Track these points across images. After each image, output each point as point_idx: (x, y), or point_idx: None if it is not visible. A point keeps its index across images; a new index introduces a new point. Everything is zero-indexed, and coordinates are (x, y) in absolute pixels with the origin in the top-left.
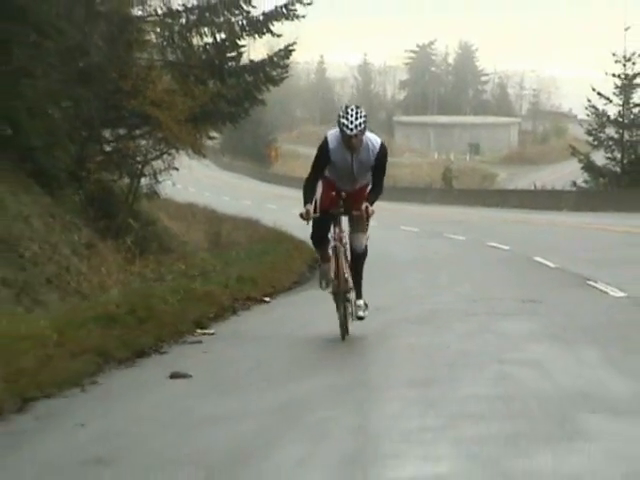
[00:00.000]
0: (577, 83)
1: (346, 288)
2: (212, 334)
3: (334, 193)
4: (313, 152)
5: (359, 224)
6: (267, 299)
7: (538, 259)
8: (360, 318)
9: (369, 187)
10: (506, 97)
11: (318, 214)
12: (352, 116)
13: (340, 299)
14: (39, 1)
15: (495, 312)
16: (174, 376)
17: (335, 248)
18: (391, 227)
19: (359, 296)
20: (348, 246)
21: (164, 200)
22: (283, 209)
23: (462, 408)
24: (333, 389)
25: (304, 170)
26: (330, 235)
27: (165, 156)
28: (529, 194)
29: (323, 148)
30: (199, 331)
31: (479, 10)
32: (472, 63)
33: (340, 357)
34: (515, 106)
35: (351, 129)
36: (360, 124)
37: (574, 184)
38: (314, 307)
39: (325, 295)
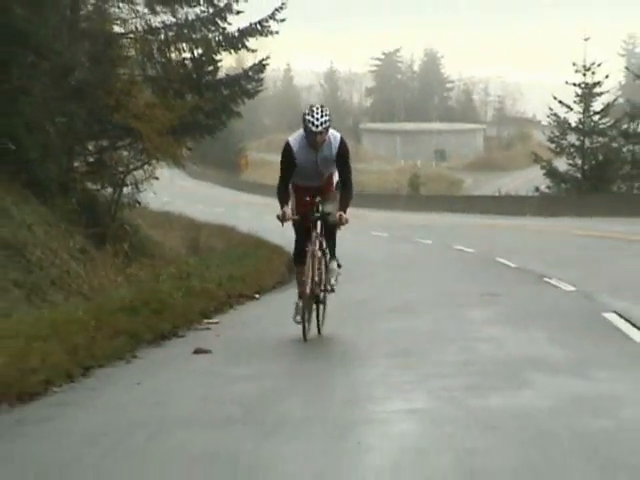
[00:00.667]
0: (541, 88)
1: (318, 292)
2: (217, 323)
3: (308, 198)
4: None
5: (331, 198)
6: (257, 296)
7: (500, 260)
8: (332, 290)
9: (335, 176)
10: (471, 104)
11: (297, 217)
12: (317, 114)
13: (311, 302)
14: (38, 25)
15: (459, 303)
16: (197, 352)
17: (313, 253)
18: (362, 233)
19: (333, 256)
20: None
21: (141, 208)
22: (255, 216)
23: (433, 370)
24: (328, 358)
25: (273, 177)
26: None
27: (146, 166)
28: (494, 200)
29: (287, 152)
30: (205, 320)
31: (444, 18)
32: (437, 70)
33: (330, 336)
34: (480, 112)
35: (317, 126)
36: (325, 122)
37: (537, 190)
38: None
39: None
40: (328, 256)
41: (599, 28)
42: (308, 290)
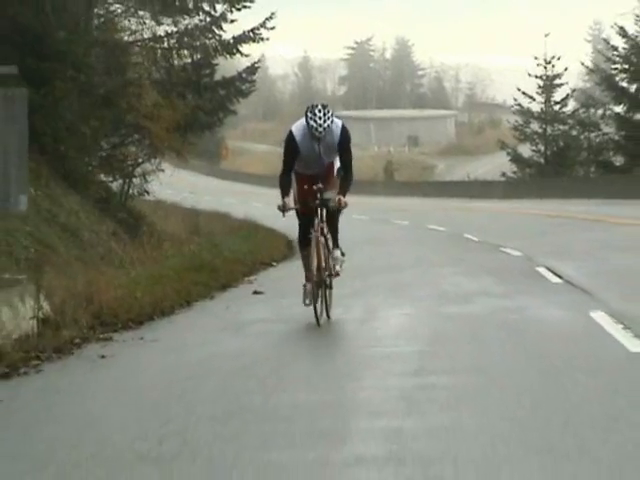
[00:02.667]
0: (512, 71)
1: (325, 277)
2: (255, 279)
3: (307, 187)
4: (258, 148)
5: (331, 184)
6: (274, 263)
7: (467, 236)
8: (337, 274)
9: (336, 162)
10: (443, 90)
11: (298, 206)
12: (320, 118)
13: (321, 286)
14: (73, 45)
15: (432, 265)
16: (255, 292)
17: (316, 239)
18: (344, 216)
19: (336, 245)
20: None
21: (136, 199)
22: (244, 203)
23: (415, 297)
24: (344, 294)
25: (251, 165)
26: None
27: (152, 160)
28: (464, 184)
29: (290, 141)
30: (246, 278)
31: (415, 5)
32: (409, 58)
33: (338, 284)
34: (451, 99)
35: (320, 131)
36: (328, 125)
37: (503, 175)
38: (300, 268)
39: None
40: (331, 242)
41: (566, 14)
42: (315, 277)
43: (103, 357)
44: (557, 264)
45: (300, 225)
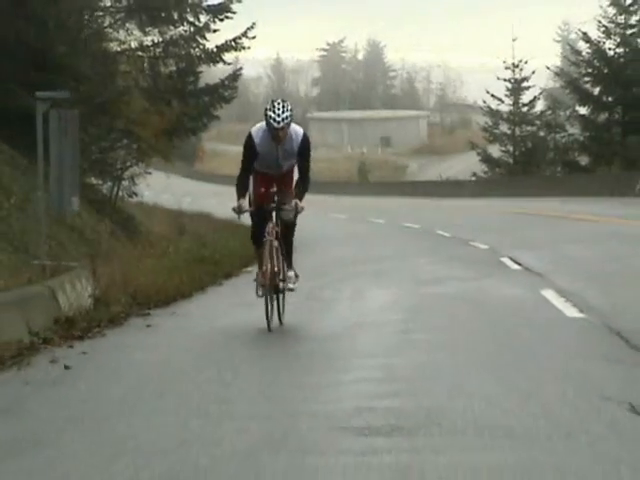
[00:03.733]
0: (481, 72)
1: (277, 280)
2: (252, 270)
3: (264, 189)
4: (233, 149)
5: (288, 198)
6: None
7: (439, 232)
8: (290, 289)
9: (295, 172)
10: (414, 91)
11: (253, 208)
12: (279, 109)
13: (272, 291)
14: (73, 59)
15: (409, 256)
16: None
17: (270, 243)
18: (323, 215)
19: (290, 266)
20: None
21: (120, 201)
22: (222, 204)
23: (396, 281)
24: (336, 278)
25: (227, 167)
26: (266, 230)
27: (140, 163)
28: (436, 184)
29: (249, 143)
30: (244, 269)
31: (386, 6)
32: (381, 60)
33: (326, 271)
34: (423, 100)
35: (278, 122)
36: (287, 117)
37: (474, 174)
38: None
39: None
40: (283, 250)
41: (536, 14)
42: (268, 281)
43: (149, 326)
44: (519, 254)
45: (253, 224)
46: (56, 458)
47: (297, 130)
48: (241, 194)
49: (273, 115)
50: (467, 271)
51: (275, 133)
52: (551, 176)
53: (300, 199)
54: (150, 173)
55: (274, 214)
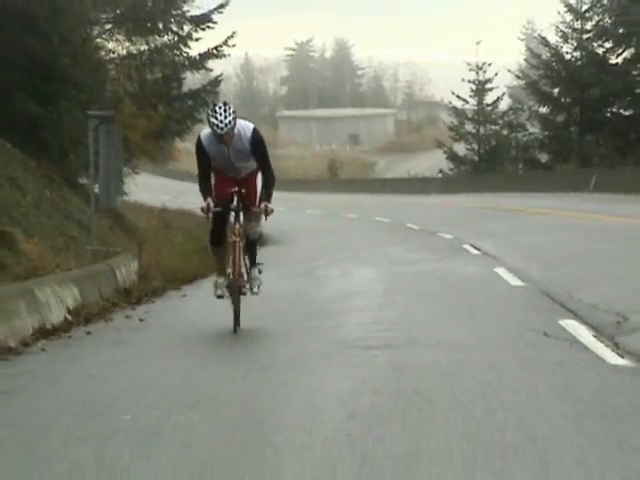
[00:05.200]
0: (447, 68)
1: (242, 282)
2: None
3: (229, 189)
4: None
5: (254, 216)
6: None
7: (409, 225)
8: (254, 293)
9: (259, 175)
10: (382, 89)
11: (220, 208)
12: (221, 115)
13: (235, 292)
14: (75, 69)
15: (383, 245)
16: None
17: (234, 243)
18: (297, 211)
19: (254, 263)
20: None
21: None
22: (201, 202)
23: (374, 264)
24: (320, 264)
25: (194, 165)
26: (230, 229)
27: (129, 164)
28: (404, 181)
29: (199, 148)
30: None
31: (352, 5)
32: (348, 58)
33: (315, 257)
34: (391, 97)
35: (221, 128)
36: (229, 122)
37: (441, 171)
38: (281, 249)
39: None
40: (247, 256)
41: (501, 12)
42: (235, 282)
43: (184, 296)
44: (479, 242)
45: (214, 225)
46: (164, 365)
47: (246, 126)
48: (207, 195)
49: (215, 122)
50: (434, 255)
51: (220, 138)
52: (513, 173)
53: (268, 200)
54: (138, 173)
55: (241, 214)
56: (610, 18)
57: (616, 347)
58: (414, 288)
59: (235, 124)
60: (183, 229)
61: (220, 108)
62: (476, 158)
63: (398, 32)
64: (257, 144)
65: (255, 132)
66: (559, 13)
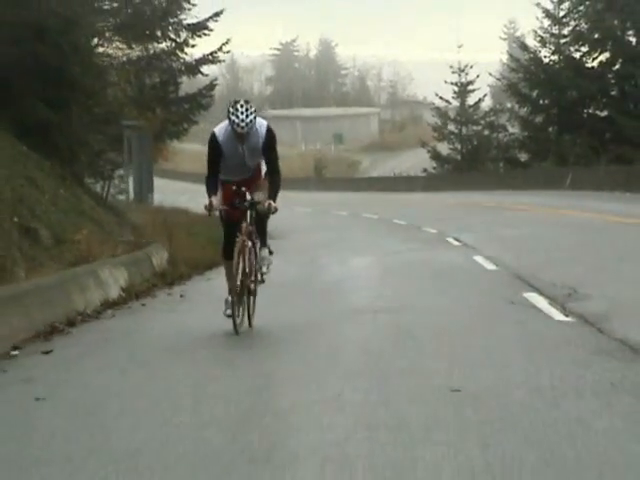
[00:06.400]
0: (430, 66)
1: (249, 283)
2: None
3: (234, 187)
4: (192, 147)
5: (260, 188)
6: None
7: (396, 221)
8: (263, 273)
9: (263, 169)
10: (366, 89)
11: (226, 207)
12: (242, 113)
13: (244, 293)
14: (85, 76)
15: (373, 238)
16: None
17: (242, 242)
18: (288, 209)
19: (264, 244)
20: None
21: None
22: (192, 200)
23: (368, 253)
24: (322, 254)
25: (187, 164)
26: (240, 229)
27: (127, 165)
28: (389, 179)
29: (213, 143)
30: None
31: (336, 5)
32: (332, 58)
33: (317, 247)
34: (374, 97)
35: (242, 127)
36: (250, 120)
37: (425, 170)
38: (278, 243)
39: (282, 235)
40: (258, 245)
41: (483, 11)
42: (238, 282)
43: (209, 279)
44: (460, 235)
45: (225, 234)
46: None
47: (260, 123)
48: (212, 192)
49: (237, 120)
50: (420, 246)
51: (239, 134)
52: (494, 172)
53: (274, 199)
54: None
55: (248, 213)
56: (586, 24)
57: (564, 310)
58: (405, 272)
59: (254, 123)
60: (180, 225)
61: (242, 106)
62: (459, 157)
63: (382, 31)
64: (270, 142)
65: (269, 130)
66: (537, 19)
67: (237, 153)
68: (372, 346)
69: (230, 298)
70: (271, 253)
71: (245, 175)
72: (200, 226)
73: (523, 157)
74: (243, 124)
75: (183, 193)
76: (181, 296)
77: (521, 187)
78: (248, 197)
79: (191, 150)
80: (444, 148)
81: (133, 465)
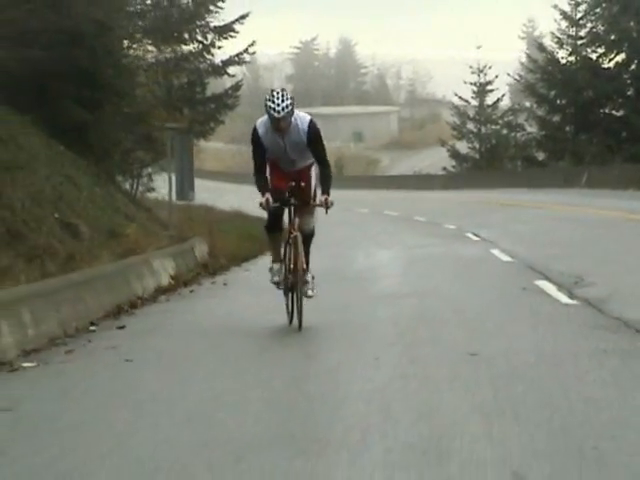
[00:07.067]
0: (450, 64)
1: (303, 279)
2: None
3: (286, 182)
4: (212, 146)
5: (308, 210)
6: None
7: (416, 218)
8: (308, 296)
9: (313, 167)
10: (385, 87)
11: (278, 204)
12: (278, 99)
13: (296, 289)
14: (117, 77)
15: (396, 233)
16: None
17: (295, 238)
18: None
19: (307, 269)
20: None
21: None
22: (218, 197)
23: (391, 247)
24: (348, 245)
25: (208, 162)
26: (288, 224)
27: (156, 163)
28: (409, 178)
29: (254, 137)
30: None
31: (355, 6)
32: (352, 57)
33: (343, 241)
34: (394, 95)
35: (278, 111)
36: (287, 106)
37: (444, 168)
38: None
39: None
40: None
41: (502, 9)
42: (289, 278)
43: (247, 270)
44: (478, 231)
45: (269, 213)
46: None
47: (303, 117)
48: (264, 189)
49: (272, 105)
50: (441, 241)
51: (277, 124)
52: (512, 170)
53: (327, 192)
54: (165, 171)
55: (292, 208)
56: (602, 26)
57: (570, 295)
58: (427, 263)
59: (292, 111)
60: (208, 221)
61: (278, 93)
62: (477, 156)
63: (401, 30)
64: (314, 136)
65: (312, 123)
66: (555, 21)
67: (278, 147)
68: (401, 322)
69: (274, 266)
70: (313, 278)
71: (291, 167)
72: (227, 223)
73: (540, 156)
74: (279, 108)
75: (208, 191)
76: (224, 284)
77: (538, 185)
78: (292, 192)
79: (214, 148)
80: (463, 147)
81: (213, 404)
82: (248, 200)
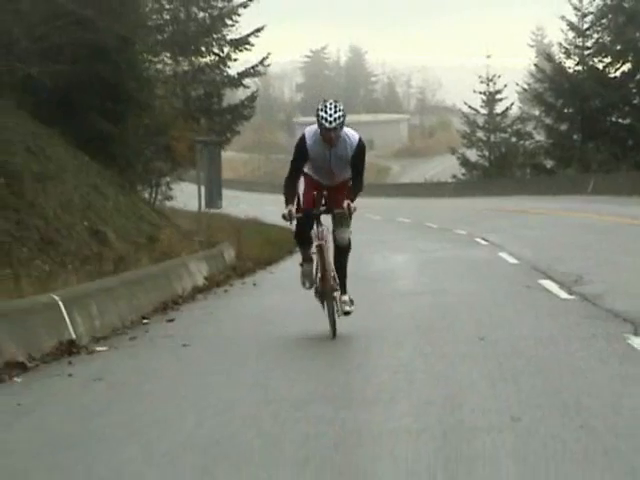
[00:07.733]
0: (460, 71)
1: (333, 287)
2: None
3: (315, 192)
4: (225, 155)
5: (342, 220)
6: None
7: (428, 224)
8: (347, 313)
9: (349, 183)
10: (395, 95)
11: (301, 214)
12: (331, 109)
13: (327, 298)
14: (139, 90)
15: (409, 239)
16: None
17: (320, 247)
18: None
19: (344, 292)
20: (331, 243)
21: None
22: (232, 205)
23: (405, 251)
24: (368, 252)
25: (225, 172)
26: (313, 234)
27: (174, 172)
28: (420, 185)
29: (301, 144)
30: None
31: (367, 12)
32: (362, 65)
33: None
34: (404, 103)
35: (330, 122)
36: (339, 117)
37: (454, 176)
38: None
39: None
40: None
41: (511, 17)
42: (322, 287)
43: (272, 273)
44: (487, 236)
45: (297, 225)
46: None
47: (352, 134)
48: (290, 199)
49: (325, 115)
50: (451, 245)
51: (327, 134)
52: (521, 178)
53: (353, 200)
54: (184, 180)
55: (318, 220)
56: (608, 36)
57: (570, 291)
58: (439, 265)
59: (343, 122)
60: (224, 229)
61: (331, 104)
62: (487, 164)
63: (411, 38)
64: (359, 154)
65: (361, 142)
66: (562, 31)
67: (324, 158)
68: (417, 315)
69: (305, 266)
70: (352, 302)
71: (330, 182)
72: (248, 229)
73: (549, 164)
74: (331, 119)
75: (226, 199)
76: (254, 284)
77: (546, 192)
78: (323, 202)
79: (226, 157)
80: (473, 154)
81: (267, 374)
82: (262, 207)
